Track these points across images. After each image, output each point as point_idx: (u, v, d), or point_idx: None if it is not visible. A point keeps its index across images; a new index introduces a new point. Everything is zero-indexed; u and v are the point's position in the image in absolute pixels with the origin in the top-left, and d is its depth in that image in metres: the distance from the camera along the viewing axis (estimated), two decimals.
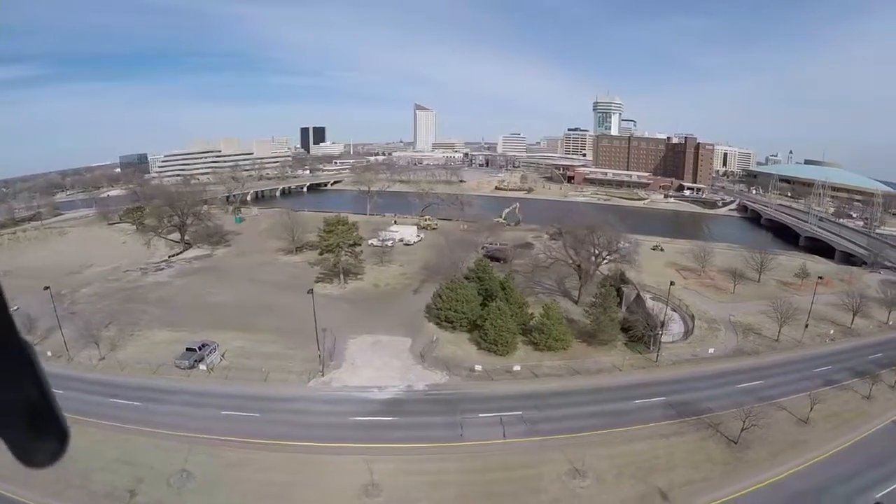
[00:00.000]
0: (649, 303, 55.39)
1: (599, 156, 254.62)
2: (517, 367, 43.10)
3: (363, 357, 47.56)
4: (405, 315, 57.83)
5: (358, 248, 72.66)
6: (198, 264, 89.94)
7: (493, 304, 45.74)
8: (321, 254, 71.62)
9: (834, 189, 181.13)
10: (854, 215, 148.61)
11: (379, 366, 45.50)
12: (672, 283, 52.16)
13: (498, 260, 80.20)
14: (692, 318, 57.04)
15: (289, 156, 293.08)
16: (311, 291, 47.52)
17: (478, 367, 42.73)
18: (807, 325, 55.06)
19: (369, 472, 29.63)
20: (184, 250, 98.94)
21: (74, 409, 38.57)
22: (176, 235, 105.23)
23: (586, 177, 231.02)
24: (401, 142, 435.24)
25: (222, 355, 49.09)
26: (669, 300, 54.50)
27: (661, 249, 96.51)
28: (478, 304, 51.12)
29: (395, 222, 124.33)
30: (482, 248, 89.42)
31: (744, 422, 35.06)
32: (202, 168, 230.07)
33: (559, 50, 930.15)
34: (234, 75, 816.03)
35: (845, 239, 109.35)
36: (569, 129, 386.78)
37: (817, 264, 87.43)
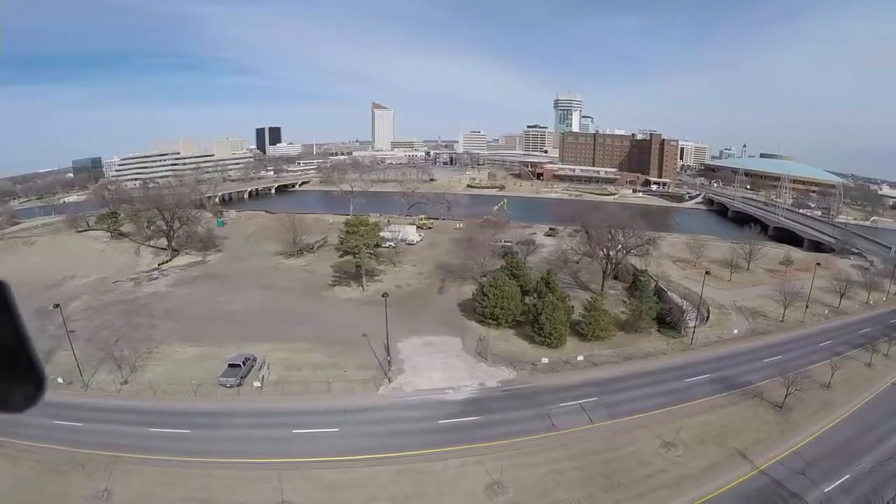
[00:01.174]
0: (673, 294, 62.07)
1: (566, 152, 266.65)
2: (580, 358, 47.94)
3: (421, 359, 48.97)
4: (441, 314, 61.37)
5: (379, 250, 74.11)
6: (195, 272, 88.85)
7: (546, 299, 50.43)
8: (341, 256, 72.38)
9: (790, 181, 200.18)
10: (812, 206, 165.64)
11: (441, 367, 47.24)
12: (707, 273, 59.56)
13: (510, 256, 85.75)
14: (706, 304, 64.26)
15: (251, 157, 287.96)
16: (385, 295, 49.28)
17: (544, 360, 47.02)
18: (807, 307, 63.94)
19: (486, 472, 32.06)
20: (172, 257, 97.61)
21: (108, 443, 36.97)
22: (160, 242, 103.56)
23: (555, 173, 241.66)
24: (356, 141, 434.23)
25: (268, 368, 47.66)
26: (675, 287, 61.77)
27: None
28: (520, 300, 55.91)
29: (389, 222, 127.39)
30: (495, 246, 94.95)
31: (787, 388, 41.94)
32: (161, 171, 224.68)
33: (511, 48, 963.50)
34: (185, 76, 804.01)
35: (812, 228, 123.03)
36: (528, 127, 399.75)
37: (797, 253, 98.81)
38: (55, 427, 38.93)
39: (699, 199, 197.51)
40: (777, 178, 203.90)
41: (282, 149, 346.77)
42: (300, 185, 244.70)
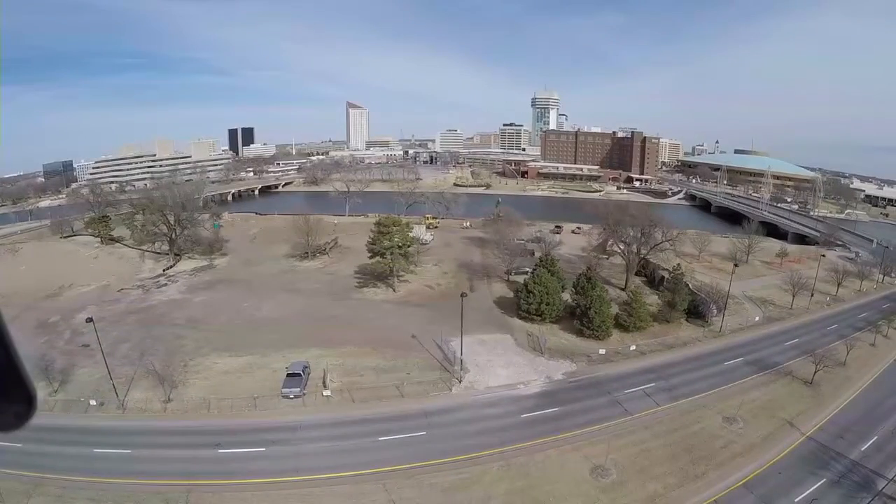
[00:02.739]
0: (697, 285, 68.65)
1: (548, 150, 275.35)
2: (633, 347, 53.48)
3: (480, 357, 50.70)
4: (482, 313, 64.93)
5: (410, 250, 76.11)
6: (206, 277, 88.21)
7: (594, 294, 55.83)
8: (371, 257, 74.63)
9: (762, 176, 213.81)
10: (789, 200, 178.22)
11: (503, 363, 49.70)
12: (736, 265, 66.49)
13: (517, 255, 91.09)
14: (723, 295, 71.20)
15: (228, 158, 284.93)
16: (464, 295, 52.28)
17: (601, 351, 52.05)
18: (812, 295, 71.88)
19: (585, 457, 35.93)
20: (175, 262, 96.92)
21: (174, 471, 35.13)
22: (156, 246, 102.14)
23: (539, 171, 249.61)
24: (329, 141, 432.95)
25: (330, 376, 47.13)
26: (688, 278, 68.38)
27: None
28: (561, 296, 61.18)
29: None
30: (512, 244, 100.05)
31: (816, 366, 48.75)
32: (138, 174, 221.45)
33: (483, 47, 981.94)
34: (153, 77, 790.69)
35: (796, 223, 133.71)
36: (504, 125, 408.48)
37: (789, 245, 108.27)
38: (98, 457, 37.45)
39: (681, 196, 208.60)
40: (752, 174, 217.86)
41: (256, 149, 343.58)
42: (283, 186, 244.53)
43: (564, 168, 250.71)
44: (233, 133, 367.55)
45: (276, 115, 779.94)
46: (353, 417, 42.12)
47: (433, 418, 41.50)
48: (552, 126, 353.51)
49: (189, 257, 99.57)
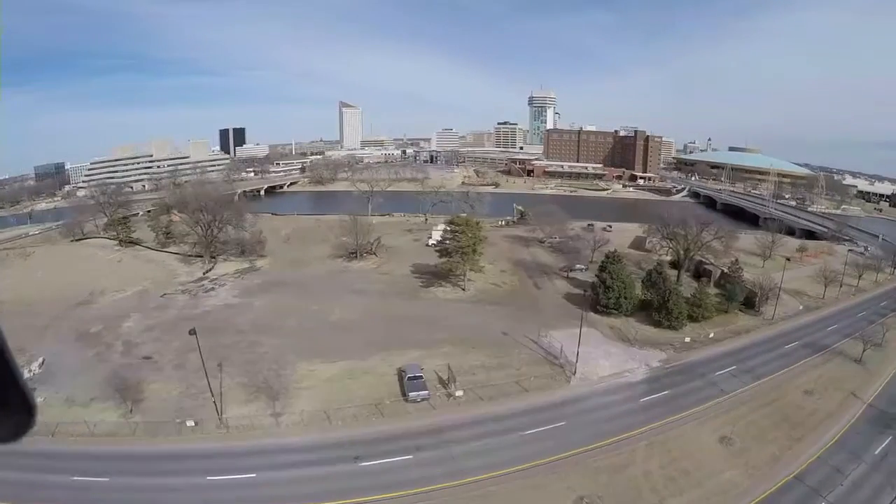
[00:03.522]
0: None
1: (550, 149, 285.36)
2: (711, 335, 62.37)
3: (580, 350, 53.46)
4: (558, 308, 71.77)
5: (481, 249, 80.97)
6: (255, 279, 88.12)
7: (673, 288, 64.63)
8: (441, 256, 79.34)
9: (759, 173, 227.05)
10: (787, 196, 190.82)
11: (602, 355, 54.87)
12: (788, 259, 75.96)
13: (561, 252, 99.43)
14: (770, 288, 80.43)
15: (227, 159, 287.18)
16: (587, 292, 59.20)
17: (686, 340, 60.41)
18: (841, 286, 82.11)
19: (711, 430, 43.25)
20: (213, 265, 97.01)
21: (314, 493, 34.74)
22: (182, 248, 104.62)
23: (545, 170, 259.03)
24: (321, 140, 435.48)
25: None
26: (724, 272, 77.64)
27: None
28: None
29: (426, 220, 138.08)
30: (546, 242, 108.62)
31: (864, 346, 58.29)
32: (135, 175, 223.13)
33: (474, 46, 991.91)
34: (141, 78, 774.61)
35: (804, 219, 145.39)
36: (499, 123, 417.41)
37: (805, 241, 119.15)
38: (214, 486, 35.96)
39: (685, 193, 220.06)
40: (748, 171, 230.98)
41: (249, 150, 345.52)
42: (289, 186, 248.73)
43: (569, 166, 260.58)
44: (224, 133, 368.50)
45: (265, 115, 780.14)
46: (488, 415, 43.88)
47: (564, 409, 45.42)
48: (549, 125, 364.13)
49: (226, 259, 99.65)
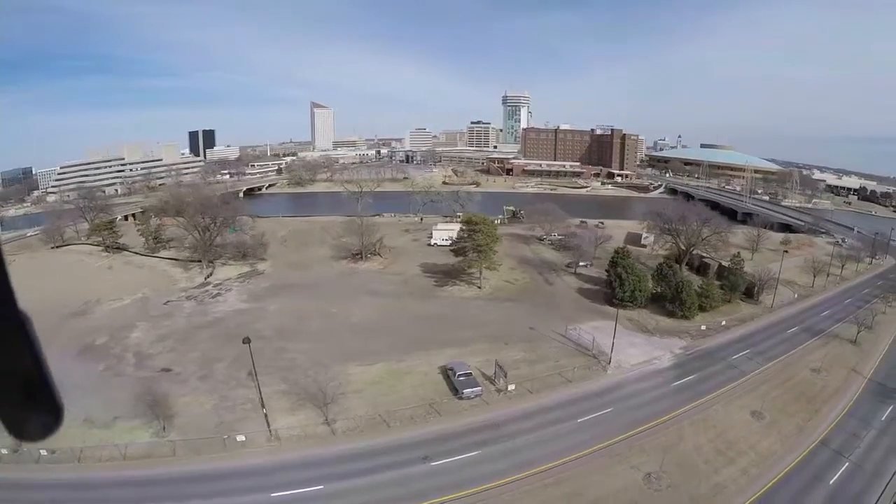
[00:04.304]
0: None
1: (528, 147, 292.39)
2: (723, 322, 68.13)
3: (605, 341, 57.62)
4: (574, 303, 76.33)
5: (497, 247, 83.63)
6: (263, 283, 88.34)
7: (686, 281, 70.20)
8: (458, 254, 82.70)
9: (732, 169, 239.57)
10: (760, 191, 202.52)
11: (628, 344, 58.53)
12: (786, 251, 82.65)
13: (565, 249, 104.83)
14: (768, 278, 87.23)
15: (200, 161, 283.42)
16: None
17: (702, 327, 65.91)
18: (828, 275, 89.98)
19: (741, 407, 48.16)
20: (212, 270, 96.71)
21: (393, 497, 35.44)
22: (172, 253, 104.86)
23: (524, 169, 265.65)
24: (291, 141, 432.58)
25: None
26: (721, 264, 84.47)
27: None
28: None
29: (421, 219, 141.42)
30: (546, 240, 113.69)
31: (859, 327, 65.22)
32: (107, 179, 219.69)
33: (442, 48, 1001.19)
34: (106, 79, 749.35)
35: (781, 214, 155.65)
36: (472, 123, 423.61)
37: (788, 235, 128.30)
38: (283, 503, 35.62)
39: (662, 189, 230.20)
40: (720, 167, 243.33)
41: (219, 152, 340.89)
42: (267, 188, 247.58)
43: (547, 165, 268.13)
44: (193, 136, 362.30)
45: (234, 117, 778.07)
46: (539, 406, 46.70)
47: (607, 396, 49.00)
48: (523, 124, 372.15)
49: (224, 263, 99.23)
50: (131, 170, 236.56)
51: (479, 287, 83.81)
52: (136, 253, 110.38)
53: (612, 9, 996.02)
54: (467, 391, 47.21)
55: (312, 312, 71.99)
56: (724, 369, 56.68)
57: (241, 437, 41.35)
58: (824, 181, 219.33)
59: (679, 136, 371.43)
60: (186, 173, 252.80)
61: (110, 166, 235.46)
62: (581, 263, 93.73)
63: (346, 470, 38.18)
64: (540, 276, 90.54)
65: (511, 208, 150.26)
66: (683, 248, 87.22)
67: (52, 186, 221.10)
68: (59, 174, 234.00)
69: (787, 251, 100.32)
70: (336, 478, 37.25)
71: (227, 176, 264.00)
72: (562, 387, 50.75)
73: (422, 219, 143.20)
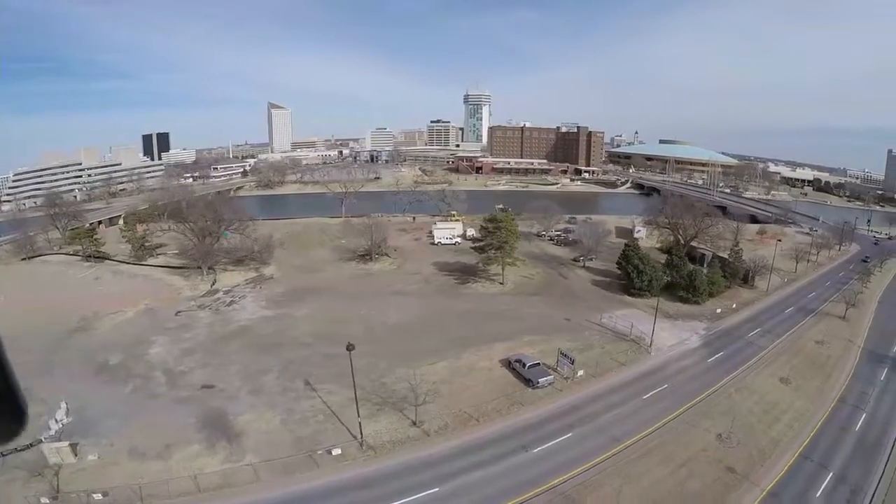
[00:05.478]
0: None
1: (495, 145, 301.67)
2: (734, 305, 77.51)
3: (637, 327, 65.05)
4: (593, 295, 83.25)
5: (516, 244, 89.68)
6: (276, 288, 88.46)
7: (698, 270, 79.23)
8: (481, 252, 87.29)
9: (691, 164, 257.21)
10: (721, 184, 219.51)
11: (657, 329, 63.35)
12: (780, 241, 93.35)
13: (568, 244, 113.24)
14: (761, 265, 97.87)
15: (161, 164, 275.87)
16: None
17: (718, 311, 74.66)
18: (808, 261, 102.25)
19: (770, 374, 56.79)
20: (215, 278, 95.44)
21: (506, 488, 37.03)
22: (161, 261, 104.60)
23: (494, 167, 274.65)
24: (246, 143, 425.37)
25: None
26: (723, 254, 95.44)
27: None
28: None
29: (414, 219, 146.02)
30: (546, 236, 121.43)
31: (847, 305, 76.32)
32: (65, 185, 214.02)
33: (397, 46, 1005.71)
34: (51, 82, 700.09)
35: (746, 205, 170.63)
36: (432, 122, 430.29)
37: (764, 226, 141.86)
38: None
39: (629, 185, 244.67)
40: (680, 162, 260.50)
41: (176, 155, 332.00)
42: (235, 191, 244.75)
43: (515, 162, 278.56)
44: (147, 139, 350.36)
45: (185, 119, 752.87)
46: (605, 389, 51.94)
47: (658, 375, 55.23)
48: (485, 122, 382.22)
49: (224, 269, 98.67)
50: (90, 175, 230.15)
51: (502, 283, 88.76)
52: (122, 261, 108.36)
53: (568, 7, 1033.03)
54: (542, 380, 51.31)
55: (345, 316, 72.67)
56: (744, 346, 65.59)
57: (337, 451, 40.85)
58: (779, 173, 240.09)
59: (636, 133, 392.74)
60: (149, 177, 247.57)
61: (67, 172, 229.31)
62: (591, 257, 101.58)
63: (454, 469, 39.25)
64: (553, 271, 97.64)
65: (501, 206, 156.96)
66: (683, 240, 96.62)
67: (7, 194, 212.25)
68: (13, 181, 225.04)
69: (780, 240, 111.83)
70: (446, 478, 38.08)
71: (191, 179, 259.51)
72: (618, 370, 56.62)
73: (414, 218, 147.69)
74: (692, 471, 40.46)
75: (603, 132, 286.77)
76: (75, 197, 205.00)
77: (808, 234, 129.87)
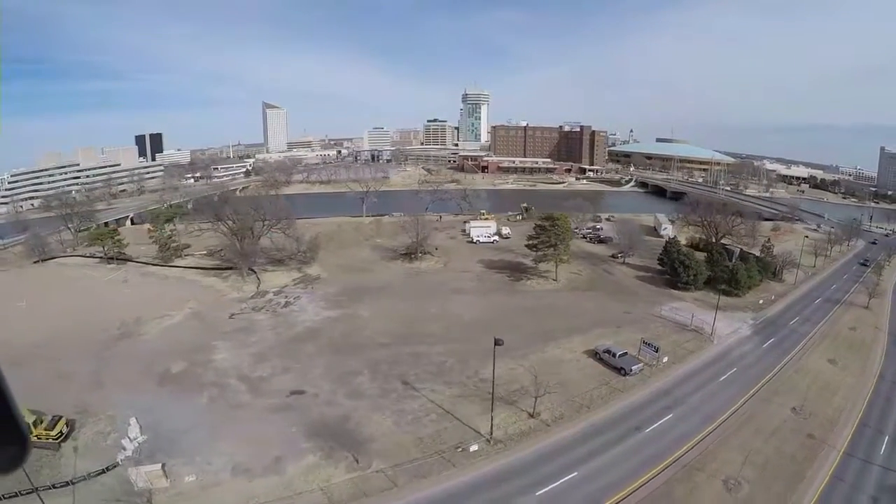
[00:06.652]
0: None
1: (497, 145, 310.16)
2: (773, 297, 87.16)
3: (691, 319, 72.31)
4: (641, 289, 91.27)
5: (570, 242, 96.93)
6: (329, 288, 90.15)
7: (739, 265, 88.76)
8: (537, 250, 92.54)
9: (689, 162, 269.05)
10: (721, 182, 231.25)
11: (710, 320, 70.55)
12: (807, 237, 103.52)
13: (603, 242, 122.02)
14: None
15: (161, 165, 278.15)
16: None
17: (760, 301, 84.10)
18: (825, 256, 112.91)
19: (820, 355, 66.15)
20: (259, 279, 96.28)
21: (636, 465, 41.04)
22: (191, 261, 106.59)
23: (499, 166, 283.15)
24: (240, 144, 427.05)
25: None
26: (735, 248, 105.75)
27: None
28: None
29: (440, 217, 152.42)
30: (579, 233, 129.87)
31: (869, 296, 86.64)
32: (63, 186, 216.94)
33: (389, 47, 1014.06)
34: (40, 84, 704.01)
35: (757, 204, 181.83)
36: (428, 121, 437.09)
37: (777, 223, 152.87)
38: (549, 497, 38.21)
39: (633, 183, 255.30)
40: (680, 161, 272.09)
41: (171, 156, 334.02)
42: (241, 191, 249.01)
43: (520, 162, 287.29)
44: (140, 140, 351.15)
45: (177, 119, 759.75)
46: (687, 373, 59.06)
47: (726, 359, 63.06)
48: (484, 121, 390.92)
49: (263, 270, 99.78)
50: (87, 176, 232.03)
51: (555, 279, 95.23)
52: (147, 263, 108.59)
53: (558, 6, 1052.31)
54: (634, 368, 57.13)
55: (415, 315, 75.62)
56: (789, 333, 74.92)
57: (474, 447, 42.36)
58: (775, 171, 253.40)
59: (631, 131, 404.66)
60: (150, 178, 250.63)
61: (65, 173, 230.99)
62: (630, 253, 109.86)
63: (583, 453, 43.19)
64: (596, 268, 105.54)
65: (525, 206, 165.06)
66: (714, 238, 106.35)
67: (3, 196, 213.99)
68: (10, 183, 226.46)
69: (807, 235, 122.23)
70: (579, 462, 41.65)
71: (192, 180, 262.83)
72: (691, 356, 63.47)
73: (440, 217, 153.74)
74: (782, 439, 48.75)
75: (605, 131, 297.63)
76: (74, 198, 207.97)
77: (816, 230, 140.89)
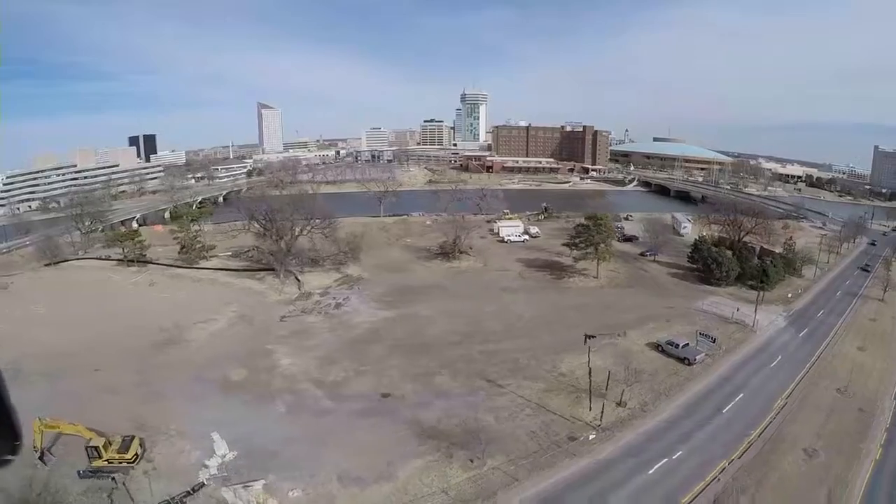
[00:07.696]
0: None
1: (500, 145, 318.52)
2: (799, 292, 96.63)
3: (729, 311, 79.95)
4: (677, 286, 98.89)
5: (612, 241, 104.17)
6: (377, 289, 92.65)
7: (769, 261, 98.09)
8: (579, 249, 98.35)
9: (687, 161, 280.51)
10: (721, 181, 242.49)
11: (748, 312, 77.35)
12: (824, 234, 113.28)
13: (629, 240, 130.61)
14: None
15: (160, 166, 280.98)
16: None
17: (788, 295, 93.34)
18: (838, 253, 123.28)
19: (849, 345, 74.44)
20: (300, 281, 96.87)
21: (735, 437, 47.53)
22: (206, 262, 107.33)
23: (504, 166, 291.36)
24: (233, 145, 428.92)
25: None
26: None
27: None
28: None
29: (463, 217, 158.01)
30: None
31: (884, 290, 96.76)
32: (60, 188, 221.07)
33: (381, 46, 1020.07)
34: (31, 85, 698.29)
35: (761, 202, 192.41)
36: (425, 121, 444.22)
37: (787, 221, 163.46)
38: (660, 475, 42.60)
39: (636, 183, 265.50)
40: (676, 159, 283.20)
41: (166, 157, 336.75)
42: (246, 192, 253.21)
43: (524, 161, 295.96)
44: (133, 141, 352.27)
45: (168, 121, 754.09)
46: (741, 360, 65.92)
47: (771, 348, 70.71)
48: (482, 121, 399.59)
49: (301, 271, 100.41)
50: (85, 177, 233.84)
51: (596, 277, 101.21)
52: (170, 265, 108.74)
53: (553, 5, 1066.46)
54: (699, 357, 63.25)
55: (472, 313, 78.81)
56: (819, 324, 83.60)
57: (592, 435, 46.42)
58: (771, 170, 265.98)
59: (626, 131, 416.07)
60: (150, 178, 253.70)
61: (63, 174, 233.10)
62: (657, 252, 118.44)
63: (680, 434, 48.22)
64: (630, 266, 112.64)
65: (545, 205, 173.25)
66: (737, 237, 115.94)
67: None
68: (5, 185, 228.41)
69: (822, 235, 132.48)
70: (679, 442, 46.60)
71: (194, 180, 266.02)
72: (739, 346, 70.20)
73: (463, 217, 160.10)
74: (839, 413, 57.26)
75: (608, 131, 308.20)
76: (71, 200, 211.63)
77: (821, 228, 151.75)
